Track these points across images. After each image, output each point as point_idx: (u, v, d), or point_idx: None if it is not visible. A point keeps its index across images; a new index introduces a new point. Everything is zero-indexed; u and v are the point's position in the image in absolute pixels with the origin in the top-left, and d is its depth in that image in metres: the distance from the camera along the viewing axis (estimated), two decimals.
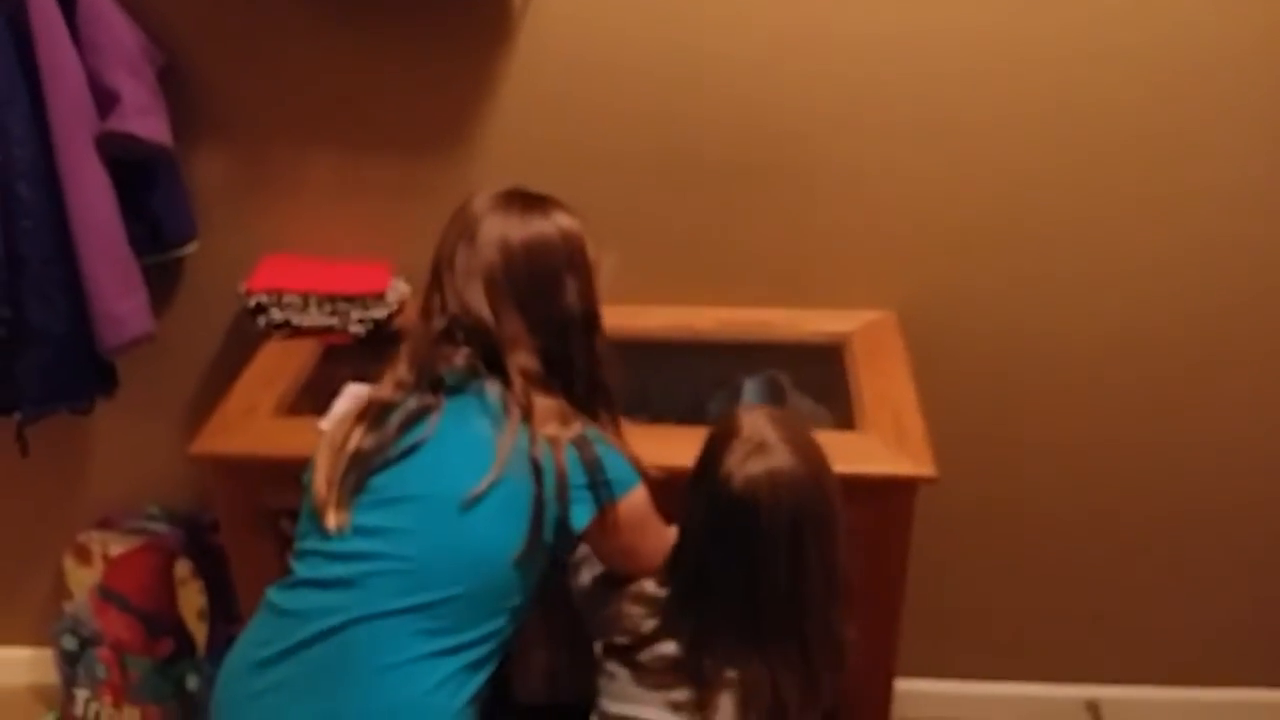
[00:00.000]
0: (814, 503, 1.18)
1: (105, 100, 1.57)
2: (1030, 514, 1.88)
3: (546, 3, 1.60)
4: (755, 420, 1.20)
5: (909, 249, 1.71)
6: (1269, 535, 1.88)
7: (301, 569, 1.22)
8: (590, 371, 1.28)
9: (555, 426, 1.19)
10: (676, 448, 1.25)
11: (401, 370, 1.24)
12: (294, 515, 1.63)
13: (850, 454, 1.41)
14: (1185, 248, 1.69)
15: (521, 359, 1.21)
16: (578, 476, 1.19)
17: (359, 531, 1.18)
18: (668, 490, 1.26)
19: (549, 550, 1.20)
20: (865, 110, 1.63)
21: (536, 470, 1.16)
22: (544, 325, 1.23)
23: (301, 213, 1.75)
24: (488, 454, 1.16)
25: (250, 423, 1.50)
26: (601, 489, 1.20)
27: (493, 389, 1.21)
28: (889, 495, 1.41)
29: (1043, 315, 1.74)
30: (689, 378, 1.71)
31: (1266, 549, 1.89)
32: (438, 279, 1.25)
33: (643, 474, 1.25)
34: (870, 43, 1.59)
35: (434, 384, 1.22)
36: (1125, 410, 1.80)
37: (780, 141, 1.66)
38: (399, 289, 1.72)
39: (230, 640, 1.90)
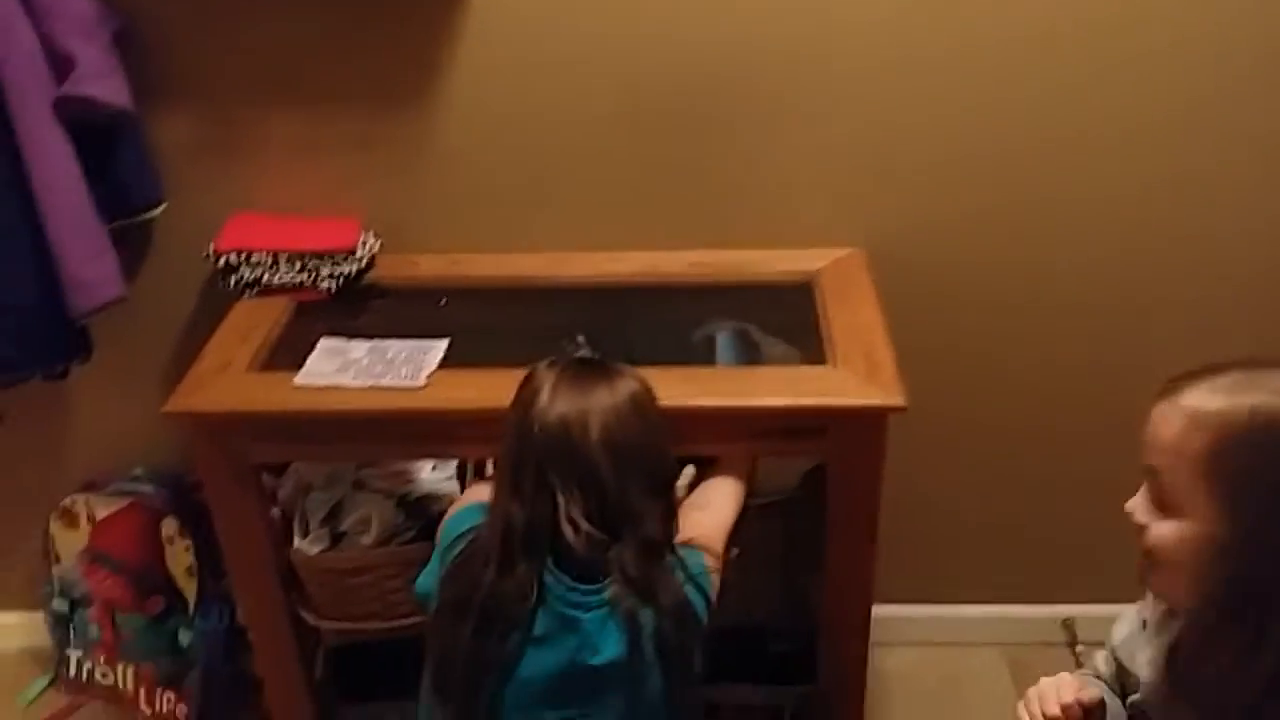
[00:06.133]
0: None
1: (60, 66, 1.55)
2: (1001, 440, 1.91)
3: None
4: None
5: (874, 185, 1.72)
6: None
7: None
8: None
9: None
10: (660, 388, 1.29)
11: None
12: (274, 469, 1.66)
13: (822, 387, 1.44)
14: (1150, 172, 1.70)
15: None
16: None
17: None
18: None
19: None
20: (825, 47, 1.63)
21: None
22: None
23: (267, 171, 1.74)
24: None
25: (225, 379, 1.51)
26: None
27: None
28: (861, 426, 1.43)
29: (1009, 244, 1.76)
30: (664, 322, 1.71)
31: None
32: None
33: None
34: None
35: None
36: (1091, 336, 1.83)
37: (741, 82, 1.66)
38: (368, 243, 1.72)
39: (219, 596, 1.95)
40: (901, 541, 1.70)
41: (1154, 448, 1.02)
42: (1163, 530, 1.02)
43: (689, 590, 1.25)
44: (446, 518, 1.40)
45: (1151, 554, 1.04)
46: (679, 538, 1.30)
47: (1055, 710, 1.07)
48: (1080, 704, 1.08)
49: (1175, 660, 1.08)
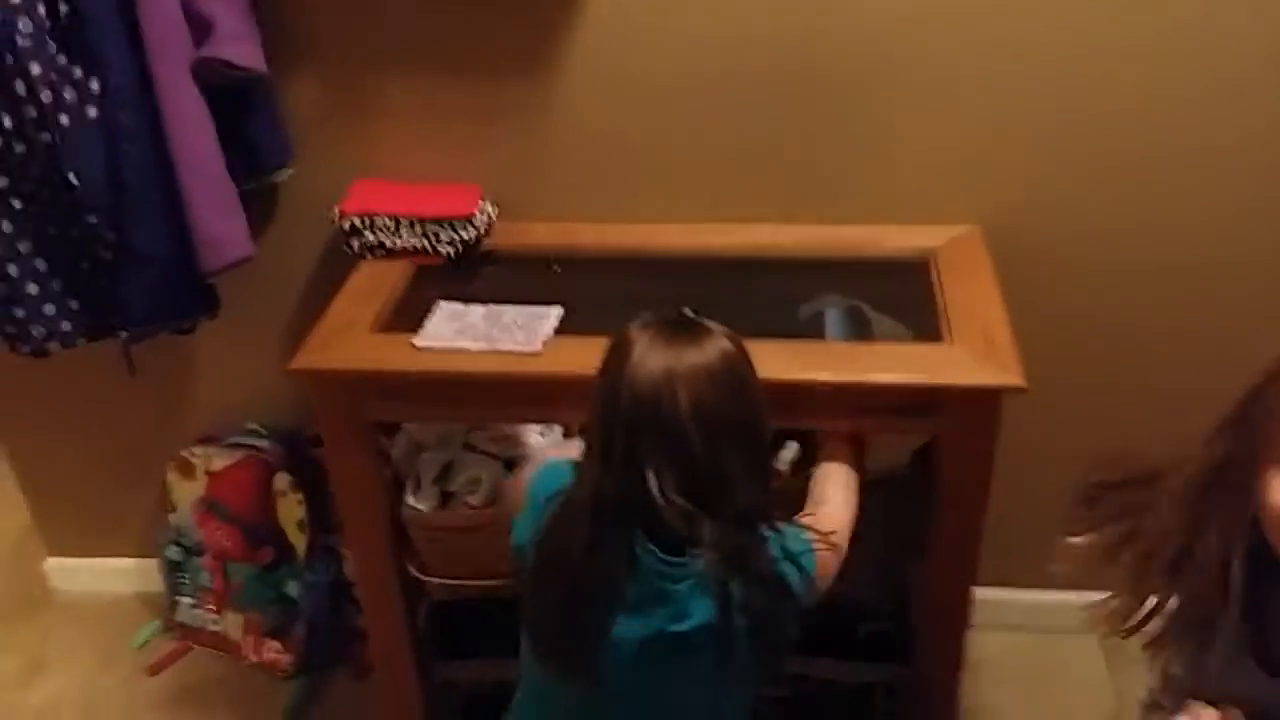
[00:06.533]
0: None
1: (199, 28, 1.60)
2: (1114, 424, 1.88)
3: None
4: None
5: (993, 161, 1.70)
6: None
7: None
8: None
9: None
10: (768, 362, 1.27)
11: None
12: (387, 429, 1.70)
13: (937, 365, 1.44)
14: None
15: None
16: None
17: None
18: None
19: None
20: (944, 17, 1.61)
21: None
22: None
23: (391, 137, 1.78)
24: None
25: (348, 339, 1.55)
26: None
27: None
28: (976, 406, 1.43)
29: (1133, 221, 1.72)
30: (775, 296, 1.71)
31: None
32: None
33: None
34: None
35: None
36: (1219, 315, 1.77)
37: (859, 54, 1.65)
38: (487, 211, 1.75)
39: (327, 550, 2.00)
40: (1002, 523, 1.68)
41: None
42: None
43: (784, 564, 1.24)
44: (539, 469, 1.39)
45: None
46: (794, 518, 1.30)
47: None
48: None
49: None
